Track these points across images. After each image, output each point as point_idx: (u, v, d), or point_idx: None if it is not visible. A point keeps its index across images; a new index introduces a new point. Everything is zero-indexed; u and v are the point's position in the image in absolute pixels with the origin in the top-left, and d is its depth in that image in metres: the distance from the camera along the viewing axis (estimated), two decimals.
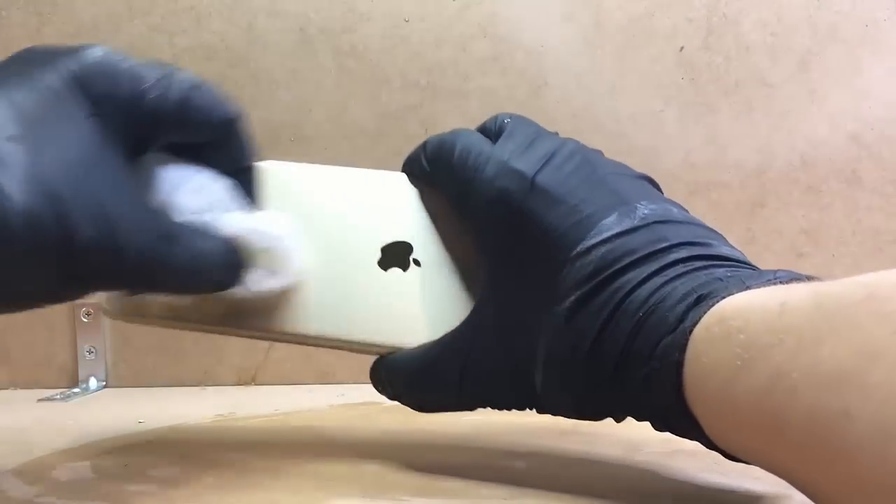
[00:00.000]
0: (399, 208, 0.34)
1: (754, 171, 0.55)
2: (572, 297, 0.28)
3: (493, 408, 0.32)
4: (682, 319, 0.25)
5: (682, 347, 0.25)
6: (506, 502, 0.29)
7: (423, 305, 0.33)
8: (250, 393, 0.55)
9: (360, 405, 0.49)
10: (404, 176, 0.35)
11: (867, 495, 0.19)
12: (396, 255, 0.33)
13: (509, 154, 0.30)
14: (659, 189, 0.31)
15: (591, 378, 0.28)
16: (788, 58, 0.54)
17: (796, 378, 0.21)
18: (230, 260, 0.31)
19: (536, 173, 0.29)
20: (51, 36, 0.56)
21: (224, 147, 0.32)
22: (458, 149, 0.32)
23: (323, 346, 0.34)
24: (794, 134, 0.55)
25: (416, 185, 0.34)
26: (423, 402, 0.33)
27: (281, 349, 0.56)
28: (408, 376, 0.32)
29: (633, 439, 0.36)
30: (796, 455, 0.22)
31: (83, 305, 0.57)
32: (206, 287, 0.31)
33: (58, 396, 0.54)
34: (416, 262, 0.33)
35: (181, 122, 0.30)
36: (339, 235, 0.34)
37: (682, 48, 0.55)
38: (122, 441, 0.40)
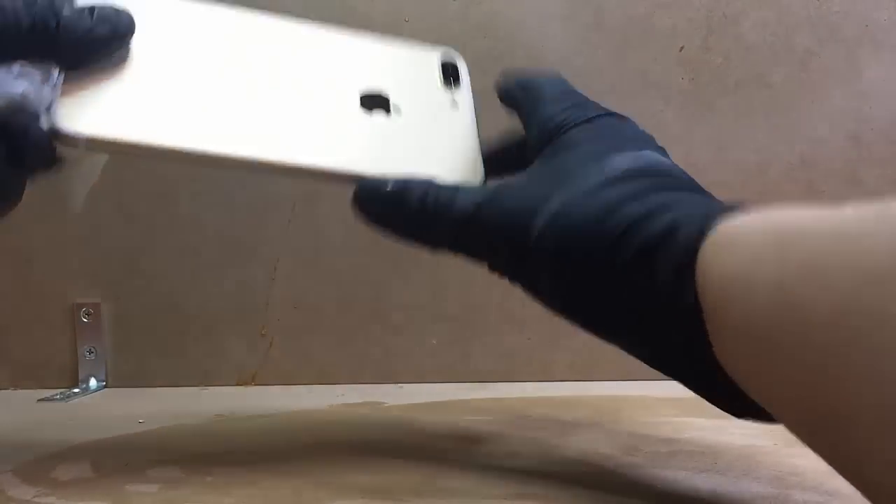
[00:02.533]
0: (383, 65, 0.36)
1: (754, 171, 0.55)
2: (619, 170, 0.28)
3: (479, 257, 0.31)
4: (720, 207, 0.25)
5: (703, 225, 0.24)
6: (506, 502, 0.29)
7: (405, 143, 0.34)
8: (250, 393, 0.55)
9: (360, 405, 0.49)
10: (436, 54, 0.38)
11: (893, 409, 0.17)
12: (378, 104, 0.35)
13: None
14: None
15: (594, 244, 0.26)
16: (788, 58, 0.54)
17: (830, 270, 0.19)
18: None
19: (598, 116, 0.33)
20: None
21: None
22: (551, 90, 0.37)
23: (302, 177, 0.33)
24: (794, 134, 0.55)
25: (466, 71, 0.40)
26: (422, 228, 0.32)
27: (281, 349, 0.56)
28: (419, 202, 0.31)
29: (632, 438, 0.36)
30: (816, 362, 0.19)
31: (83, 305, 0.57)
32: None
33: (58, 396, 0.54)
34: (397, 110, 0.35)
35: None
36: (318, 79, 0.34)
37: (682, 48, 0.55)
38: (122, 441, 0.40)
